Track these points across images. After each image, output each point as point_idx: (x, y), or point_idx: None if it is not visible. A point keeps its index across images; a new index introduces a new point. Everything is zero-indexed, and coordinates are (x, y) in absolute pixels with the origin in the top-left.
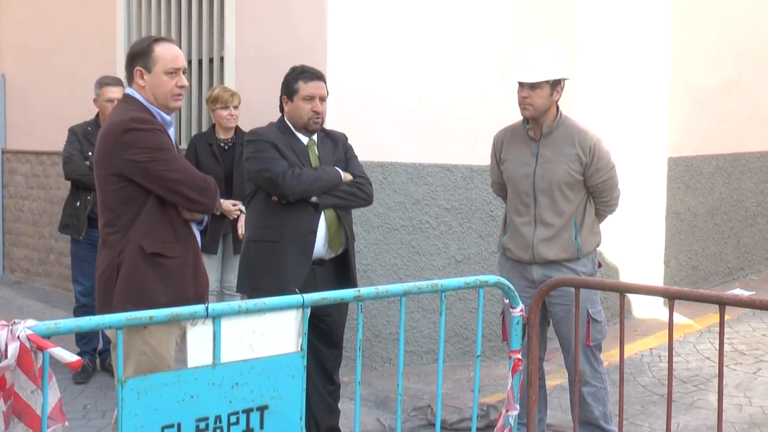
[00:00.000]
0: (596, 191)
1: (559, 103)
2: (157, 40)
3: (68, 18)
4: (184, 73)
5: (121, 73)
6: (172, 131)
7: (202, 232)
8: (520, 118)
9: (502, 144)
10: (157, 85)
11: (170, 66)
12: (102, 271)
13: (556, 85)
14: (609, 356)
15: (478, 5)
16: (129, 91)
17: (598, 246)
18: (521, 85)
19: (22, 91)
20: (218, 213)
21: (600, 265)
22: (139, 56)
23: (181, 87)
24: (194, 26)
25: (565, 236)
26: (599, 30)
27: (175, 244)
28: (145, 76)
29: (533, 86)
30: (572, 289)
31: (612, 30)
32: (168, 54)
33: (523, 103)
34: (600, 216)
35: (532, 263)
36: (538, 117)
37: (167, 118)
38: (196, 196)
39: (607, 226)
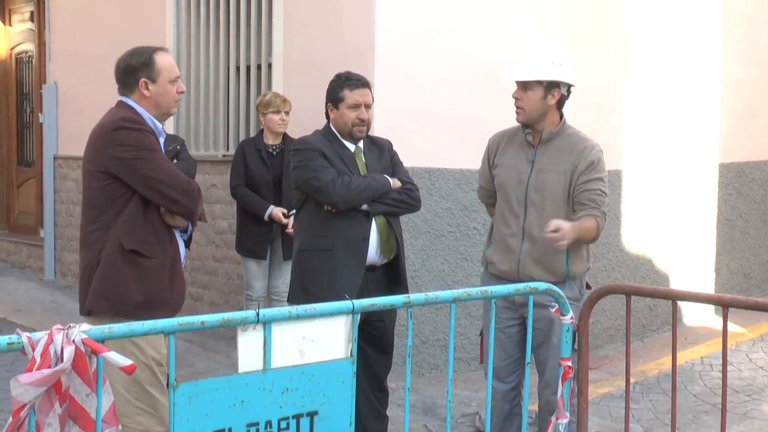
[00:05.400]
0: (579, 200)
1: (563, 111)
2: (156, 50)
3: (118, 26)
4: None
5: None
6: (162, 141)
7: (186, 242)
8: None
9: (497, 147)
10: (162, 93)
11: (172, 75)
12: (83, 269)
13: (551, 88)
14: (660, 364)
15: (525, 11)
16: (123, 99)
17: (587, 271)
18: (517, 85)
19: (73, 98)
20: (266, 219)
21: (589, 287)
22: (141, 68)
23: (181, 93)
24: (242, 33)
25: (554, 256)
26: (649, 35)
27: (154, 245)
28: (150, 87)
29: (525, 87)
30: (550, 315)
31: (662, 34)
32: (168, 63)
33: (516, 105)
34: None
35: (515, 280)
36: (532, 122)
37: (159, 126)
38: (178, 197)
39: (657, 232)
